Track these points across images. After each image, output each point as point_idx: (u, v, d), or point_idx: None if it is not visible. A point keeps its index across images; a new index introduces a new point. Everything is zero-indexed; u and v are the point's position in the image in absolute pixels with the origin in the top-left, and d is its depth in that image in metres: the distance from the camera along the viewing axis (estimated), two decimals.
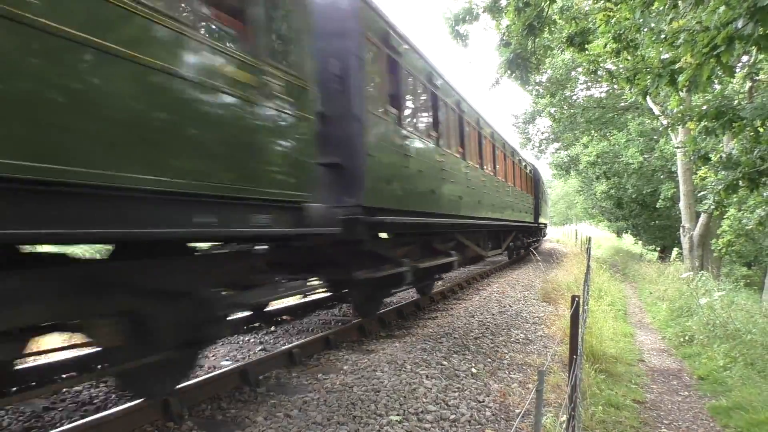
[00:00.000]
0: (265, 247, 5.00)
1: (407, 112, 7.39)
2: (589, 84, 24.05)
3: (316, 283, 6.69)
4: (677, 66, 5.72)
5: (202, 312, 4.04)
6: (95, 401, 4.50)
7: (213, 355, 6.02)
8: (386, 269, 6.85)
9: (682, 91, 6.28)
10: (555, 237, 44.43)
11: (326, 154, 5.10)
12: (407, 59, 7.38)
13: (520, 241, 20.30)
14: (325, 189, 4.98)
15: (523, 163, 20.01)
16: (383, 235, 7.62)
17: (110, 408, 4.15)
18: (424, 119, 8.25)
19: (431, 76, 8.42)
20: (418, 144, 7.52)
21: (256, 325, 7.45)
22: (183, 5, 3.29)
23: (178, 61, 3.14)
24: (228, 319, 4.53)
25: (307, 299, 9.02)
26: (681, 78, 5.66)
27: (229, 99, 3.59)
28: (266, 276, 4.94)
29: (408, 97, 7.55)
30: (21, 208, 2.37)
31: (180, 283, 3.90)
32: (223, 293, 4.35)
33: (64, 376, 4.63)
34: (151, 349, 3.77)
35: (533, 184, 22.23)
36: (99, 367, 4.42)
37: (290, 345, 5.99)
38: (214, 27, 3.66)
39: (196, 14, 3.42)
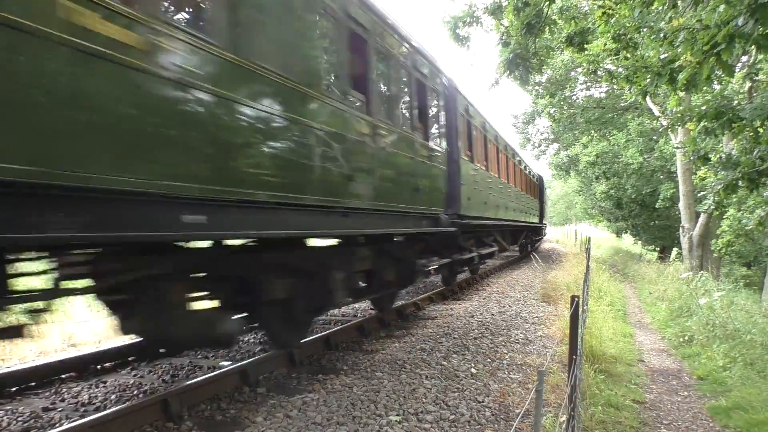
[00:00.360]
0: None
1: (475, 152, 11.43)
2: (589, 84, 24.03)
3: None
4: (677, 65, 5.72)
5: (409, 268, 8.04)
6: (95, 401, 4.49)
7: (213, 355, 6.01)
8: (466, 254, 11.12)
9: (681, 90, 6.28)
10: (554, 237, 44.40)
11: None
12: (474, 117, 11.70)
13: (529, 238, 24.38)
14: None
15: (533, 173, 24.59)
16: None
17: (110, 408, 4.15)
18: (481, 154, 12.38)
19: (484, 123, 13.01)
20: (479, 172, 11.71)
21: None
22: (407, 123, 7.37)
23: (409, 150, 7.18)
24: (418, 273, 8.32)
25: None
26: (680, 77, 5.66)
27: (422, 165, 7.64)
28: (423, 254, 8.81)
29: (474, 142, 11.47)
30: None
31: (402, 254, 7.90)
32: (417, 260, 8.18)
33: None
34: (389, 286, 7.82)
35: (539, 190, 26.45)
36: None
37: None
38: (415, 127, 7.54)
39: (413, 125, 7.50)
